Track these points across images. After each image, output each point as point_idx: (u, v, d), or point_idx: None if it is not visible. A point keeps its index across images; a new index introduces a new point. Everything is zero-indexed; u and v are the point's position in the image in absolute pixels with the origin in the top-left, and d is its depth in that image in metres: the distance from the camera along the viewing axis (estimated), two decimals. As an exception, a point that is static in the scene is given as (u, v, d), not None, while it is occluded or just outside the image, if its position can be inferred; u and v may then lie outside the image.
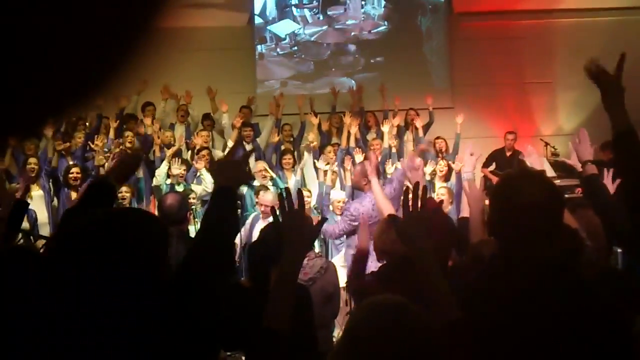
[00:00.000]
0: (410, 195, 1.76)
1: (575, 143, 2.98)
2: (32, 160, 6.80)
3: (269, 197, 5.99)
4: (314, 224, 1.82)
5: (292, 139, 8.51)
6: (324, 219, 1.91)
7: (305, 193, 6.37)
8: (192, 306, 1.53)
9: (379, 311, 1.40)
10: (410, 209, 1.76)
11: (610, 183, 3.03)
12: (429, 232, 1.73)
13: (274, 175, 7.12)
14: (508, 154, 8.79)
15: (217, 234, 1.65)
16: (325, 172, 6.86)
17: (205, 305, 1.58)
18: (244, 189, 6.79)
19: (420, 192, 1.76)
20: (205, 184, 6.76)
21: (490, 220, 1.74)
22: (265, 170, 6.99)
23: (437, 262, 1.67)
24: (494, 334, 1.55)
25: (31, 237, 4.73)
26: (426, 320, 1.40)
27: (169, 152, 7.07)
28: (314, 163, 7.56)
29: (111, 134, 7.79)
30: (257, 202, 6.32)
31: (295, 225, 1.71)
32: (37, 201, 6.55)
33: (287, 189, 1.90)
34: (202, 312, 1.56)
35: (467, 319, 1.55)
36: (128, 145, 7.44)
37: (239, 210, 6.00)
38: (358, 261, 3.07)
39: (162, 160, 7.12)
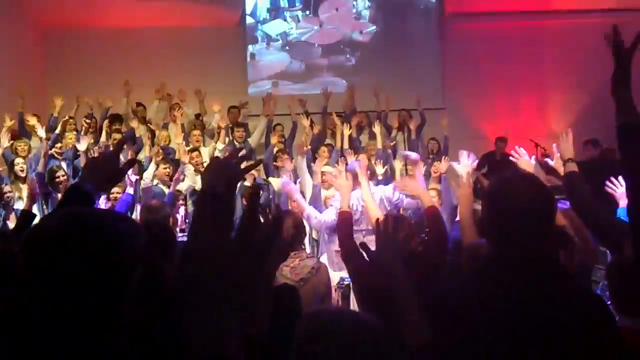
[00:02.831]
0: (383, 226, 1.80)
1: (559, 142, 3.00)
2: (19, 160, 6.75)
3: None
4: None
5: (283, 139, 8.46)
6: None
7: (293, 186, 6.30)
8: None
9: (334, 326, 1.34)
10: (384, 239, 1.81)
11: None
12: (402, 259, 1.80)
13: (256, 176, 7.02)
14: (498, 157, 8.82)
15: (207, 242, 1.48)
16: (321, 172, 6.79)
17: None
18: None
19: (392, 222, 1.84)
20: (194, 179, 6.75)
21: (482, 221, 1.73)
22: (258, 171, 6.93)
23: (411, 287, 1.71)
24: (487, 335, 1.55)
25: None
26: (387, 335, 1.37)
27: (152, 152, 7.06)
28: (309, 166, 7.50)
29: (102, 137, 7.75)
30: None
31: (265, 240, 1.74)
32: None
33: (263, 209, 1.89)
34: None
35: (435, 342, 1.58)
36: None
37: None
38: (344, 224, 3.31)
39: (150, 160, 7.06)
